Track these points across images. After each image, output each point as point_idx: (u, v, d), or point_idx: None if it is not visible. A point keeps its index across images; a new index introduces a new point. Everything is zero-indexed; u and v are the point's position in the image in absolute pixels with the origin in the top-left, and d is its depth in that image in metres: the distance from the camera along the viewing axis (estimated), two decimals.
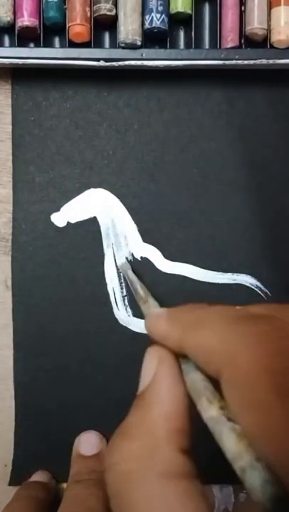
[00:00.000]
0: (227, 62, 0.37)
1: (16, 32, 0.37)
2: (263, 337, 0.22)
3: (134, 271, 0.38)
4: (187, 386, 0.25)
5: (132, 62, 0.37)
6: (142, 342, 0.39)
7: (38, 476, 0.39)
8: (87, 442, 0.39)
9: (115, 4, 0.37)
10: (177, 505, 0.21)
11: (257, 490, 0.20)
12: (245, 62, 0.37)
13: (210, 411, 0.23)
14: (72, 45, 0.38)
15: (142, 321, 0.39)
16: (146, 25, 0.37)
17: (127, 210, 0.40)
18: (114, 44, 0.38)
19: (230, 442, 0.21)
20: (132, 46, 0.37)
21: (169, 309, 0.28)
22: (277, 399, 0.20)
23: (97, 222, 0.40)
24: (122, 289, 0.40)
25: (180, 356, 0.26)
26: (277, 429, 0.20)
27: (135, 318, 0.39)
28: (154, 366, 0.26)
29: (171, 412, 0.24)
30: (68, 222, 0.40)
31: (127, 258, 0.39)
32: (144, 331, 0.39)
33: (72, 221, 0.40)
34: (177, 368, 0.25)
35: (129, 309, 0.39)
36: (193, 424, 0.24)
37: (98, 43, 0.38)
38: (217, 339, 0.23)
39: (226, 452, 0.21)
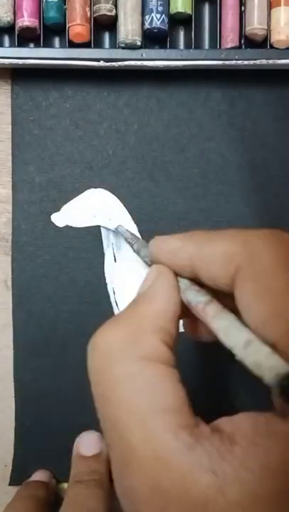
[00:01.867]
0: (227, 62, 0.37)
1: (16, 32, 0.37)
2: (283, 241, 0.25)
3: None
4: (184, 299, 0.26)
5: (132, 63, 0.37)
6: None
7: (39, 476, 0.39)
8: (87, 442, 0.39)
9: (115, 4, 0.37)
10: (154, 384, 0.22)
11: (266, 368, 0.21)
12: (245, 62, 0.37)
13: (212, 310, 0.24)
14: (72, 45, 0.38)
15: None
16: (146, 26, 0.37)
17: (127, 210, 0.40)
18: (114, 44, 0.38)
19: (237, 331, 0.23)
20: (131, 46, 0.37)
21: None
22: None
23: None
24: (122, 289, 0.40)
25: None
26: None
27: None
28: (153, 276, 0.27)
29: (162, 310, 0.25)
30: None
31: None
32: None
33: (73, 225, 0.40)
34: (175, 280, 0.27)
35: None
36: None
37: (98, 43, 0.38)
38: (239, 243, 0.25)
39: (233, 340, 0.23)
